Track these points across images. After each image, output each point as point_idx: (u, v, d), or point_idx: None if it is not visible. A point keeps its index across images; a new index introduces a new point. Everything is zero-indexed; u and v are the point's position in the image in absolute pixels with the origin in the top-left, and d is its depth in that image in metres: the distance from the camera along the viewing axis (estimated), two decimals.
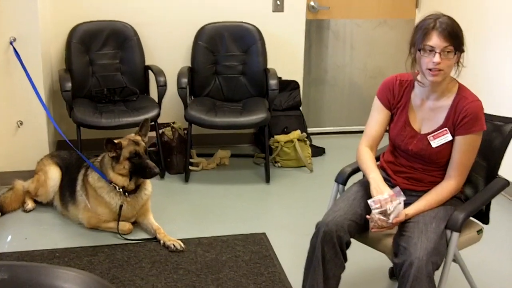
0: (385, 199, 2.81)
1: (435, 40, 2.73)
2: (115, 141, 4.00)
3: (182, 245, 3.90)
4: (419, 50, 2.79)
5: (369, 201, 2.85)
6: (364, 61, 6.25)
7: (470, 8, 5.20)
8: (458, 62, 2.83)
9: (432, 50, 2.75)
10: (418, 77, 2.93)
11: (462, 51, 2.80)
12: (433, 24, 2.76)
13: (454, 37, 2.74)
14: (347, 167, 3.25)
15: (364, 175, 3.24)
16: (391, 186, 2.96)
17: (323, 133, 6.25)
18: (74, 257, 3.80)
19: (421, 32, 2.79)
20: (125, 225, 4.10)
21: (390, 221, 2.80)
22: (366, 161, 3.04)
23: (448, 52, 2.74)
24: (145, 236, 4.10)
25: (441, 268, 2.78)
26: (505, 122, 3.03)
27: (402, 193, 2.85)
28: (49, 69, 5.12)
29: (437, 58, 2.73)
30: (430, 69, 2.77)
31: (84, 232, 4.16)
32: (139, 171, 4.02)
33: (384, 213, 2.80)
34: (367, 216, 2.85)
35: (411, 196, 2.93)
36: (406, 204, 2.86)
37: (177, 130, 5.25)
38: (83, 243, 3.98)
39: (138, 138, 4.09)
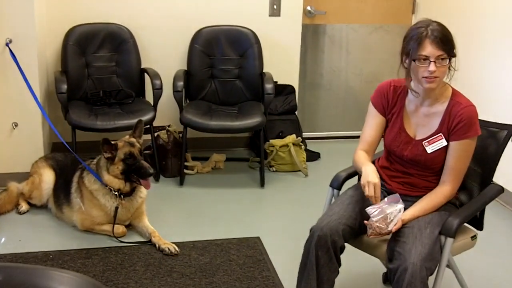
0: (384, 204, 2.80)
1: (429, 49, 2.74)
2: (112, 142, 4.00)
3: (177, 248, 3.90)
4: (414, 60, 2.79)
5: (367, 209, 2.83)
6: (360, 66, 6.26)
7: (466, 13, 5.22)
8: (449, 66, 2.84)
9: (426, 59, 2.75)
10: (412, 86, 2.94)
11: (454, 56, 2.81)
12: (426, 33, 2.75)
13: (447, 44, 2.75)
14: (342, 172, 3.25)
15: (359, 180, 3.25)
16: (386, 191, 2.97)
17: (318, 138, 6.26)
18: (68, 260, 3.79)
19: (413, 41, 2.78)
20: (118, 228, 4.09)
21: (389, 228, 2.79)
22: (360, 159, 3.03)
23: (442, 59, 2.75)
24: (139, 239, 4.09)
25: (435, 273, 2.78)
26: (500, 129, 3.03)
27: (400, 199, 2.84)
28: (45, 71, 5.11)
29: (432, 67, 2.74)
30: (425, 77, 2.77)
31: (78, 234, 4.15)
32: (134, 172, 4.01)
33: (385, 219, 2.78)
34: (365, 222, 2.84)
35: (406, 201, 2.92)
36: None
37: (172, 133, 5.24)
38: (77, 246, 3.98)
39: (133, 139, 4.09)
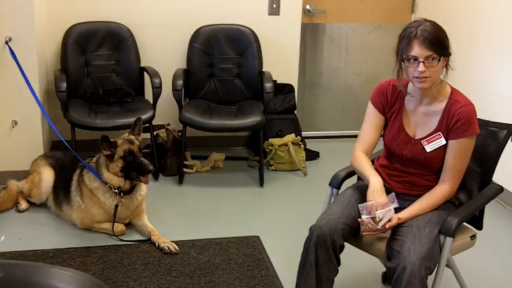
0: (375, 205, 2.81)
1: (417, 50, 2.74)
2: (111, 139, 4.00)
3: (176, 247, 3.90)
4: (403, 60, 2.80)
5: (360, 206, 2.85)
6: (359, 65, 6.27)
7: (464, 12, 5.22)
8: (446, 65, 2.83)
9: (415, 59, 2.75)
10: (410, 86, 2.94)
11: (448, 55, 2.81)
12: (415, 33, 2.76)
13: (437, 44, 2.74)
14: (341, 171, 3.25)
15: (358, 179, 3.25)
16: (386, 190, 2.96)
17: (318, 137, 6.26)
18: (67, 258, 3.79)
19: (404, 41, 2.80)
20: (118, 226, 4.09)
21: (378, 227, 2.80)
22: (364, 164, 3.02)
23: (432, 59, 2.74)
24: (138, 237, 4.09)
25: (434, 272, 2.78)
26: (499, 128, 3.03)
27: (396, 200, 2.85)
28: (45, 69, 5.11)
29: (421, 67, 2.74)
30: (416, 77, 2.78)
31: (78, 232, 4.15)
32: (133, 169, 4.02)
33: (373, 218, 2.80)
34: (359, 219, 2.85)
35: (405, 200, 2.94)
36: (400, 208, 2.87)
37: (172, 132, 5.24)
38: (77, 244, 3.98)
39: (132, 137, 4.10)
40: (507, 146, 3.00)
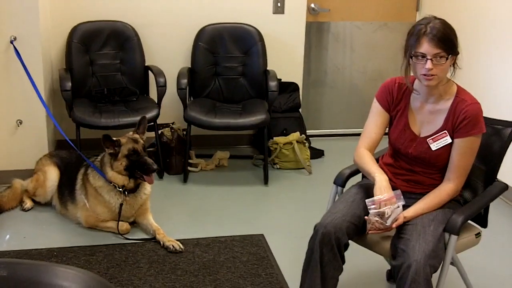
0: (384, 200, 2.81)
1: (425, 47, 2.73)
2: (114, 138, 4.00)
3: (181, 245, 3.90)
4: (411, 57, 2.80)
5: (367, 201, 2.85)
6: (364, 63, 6.26)
7: (470, 10, 5.21)
8: (454, 64, 2.83)
9: (424, 56, 2.75)
10: (416, 83, 2.94)
11: (456, 53, 2.80)
12: (424, 30, 2.75)
13: (445, 42, 2.73)
14: (346, 169, 3.25)
15: (363, 177, 3.25)
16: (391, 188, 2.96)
17: (322, 135, 6.26)
18: (72, 257, 3.80)
19: (412, 38, 2.79)
20: (122, 225, 4.10)
21: (387, 224, 2.80)
22: (368, 162, 3.02)
23: (440, 57, 2.74)
24: (143, 236, 4.10)
25: (439, 271, 2.78)
26: (504, 126, 3.03)
27: (402, 197, 2.84)
28: (49, 69, 5.12)
29: (429, 65, 2.73)
30: (424, 74, 2.78)
31: (82, 231, 4.16)
32: (137, 168, 4.02)
33: (382, 215, 2.79)
34: (365, 217, 2.85)
35: (410, 198, 2.93)
36: (405, 206, 2.86)
37: (176, 130, 5.25)
38: (81, 243, 3.99)
39: (137, 136, 4.10)
40: None
